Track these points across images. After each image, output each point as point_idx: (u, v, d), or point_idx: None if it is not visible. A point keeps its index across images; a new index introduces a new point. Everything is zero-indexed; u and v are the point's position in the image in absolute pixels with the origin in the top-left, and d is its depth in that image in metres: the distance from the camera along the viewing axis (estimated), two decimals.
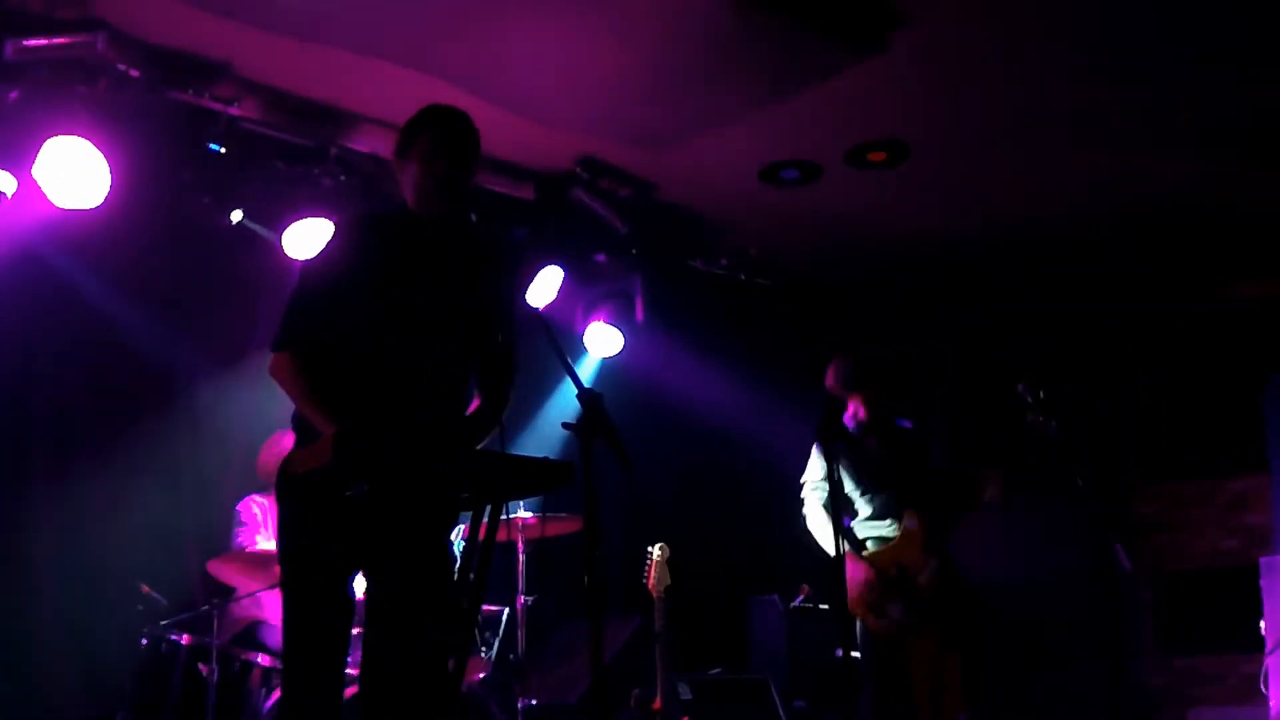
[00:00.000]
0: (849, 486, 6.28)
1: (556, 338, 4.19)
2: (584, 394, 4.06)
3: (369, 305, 4.14)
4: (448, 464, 4.01)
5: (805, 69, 6.17)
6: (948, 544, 6.21)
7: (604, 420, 4.04)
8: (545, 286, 6.83)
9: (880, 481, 6.31)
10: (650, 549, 6.22)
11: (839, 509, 5.47)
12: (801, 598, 7.60)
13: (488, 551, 4.22)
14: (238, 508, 6.42)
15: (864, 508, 6.30)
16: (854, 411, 6.43)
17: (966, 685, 6.18)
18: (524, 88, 6.28)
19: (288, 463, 4.09)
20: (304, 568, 4.09)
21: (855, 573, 6.03)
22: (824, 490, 6.13)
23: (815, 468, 6.30)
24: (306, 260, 4.30)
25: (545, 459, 4.17)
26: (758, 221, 7.55)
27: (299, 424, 4.17)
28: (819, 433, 6.15)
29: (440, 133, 4.25)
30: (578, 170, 6.90)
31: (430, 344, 4.22)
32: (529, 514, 6.06)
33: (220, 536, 6.50)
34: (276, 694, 5.60)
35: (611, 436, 4.03)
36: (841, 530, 5.55)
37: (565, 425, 4.05)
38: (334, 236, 4.31)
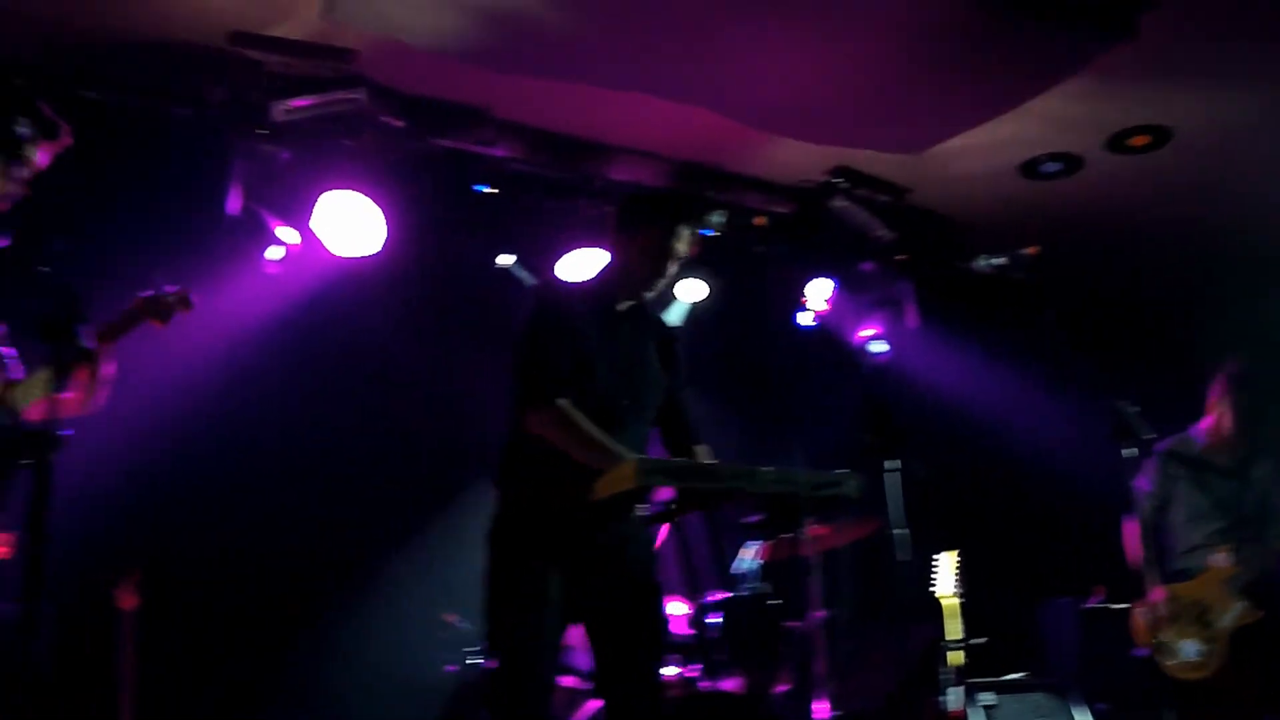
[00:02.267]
0: (1182, 508, 6.09)
1: (850, 353, 4.25)
2: (875, 409, 4.09)
3: (582, 367, 4.26)
4: (743, 482, 4.09)
5: (1056, 61, 6.04)
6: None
7: (898, 433, 4.07)
8: (816, 299, 6.82)
9: (1216, 511, 6.06)
10: (939, 555, 6.14)
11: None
12: (1097, 599, 7.39)
13: (794, 567, 4.29)
14: None
15: (1190, 534, 6.08)
16: (1212, 424, 6.19)
17: None
18: (774, 104, 6.29)
19: (526, 513, 4.21)
20: (524, 607, 4.15)
21: (1148, 600, 5.93)
22: (1150, 504, 5.96)
23: (1146, 478, 6.10)
24: (536, 322, 4.36)
25: (837, 473, 4.20)
26: (1021, 218, 7.40)
27: (515, 474, 4.31)
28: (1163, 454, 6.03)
29: (676, 237, 4.35)
30: (834, 181, 6.87)
31: (628, 405, 4.34)
32: (821, 526, 6.06)
33: None
34: (582, 712, 5.70)
35: (905, 448, 4.07)
36: (1154, 552, 5.41)
37: (861, 438, 4.08)
38: (554, 301, 4.44)
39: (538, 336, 4.29)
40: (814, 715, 5.79)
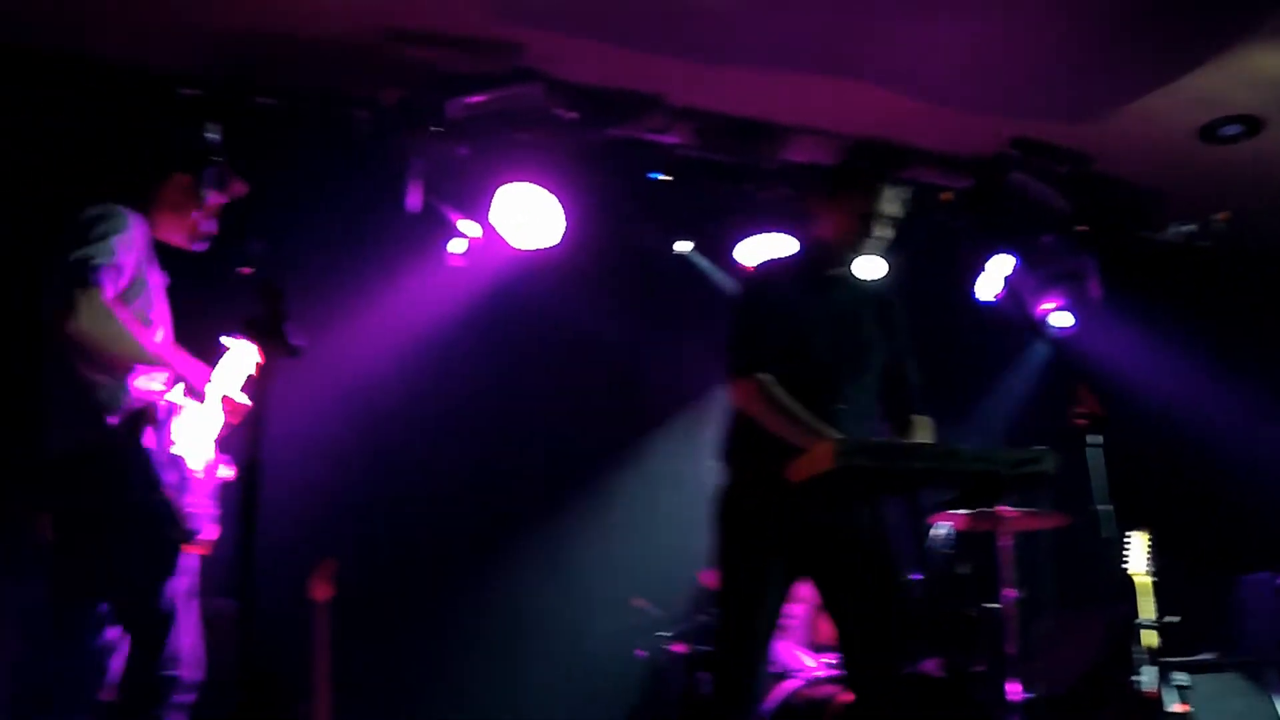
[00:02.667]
0: None
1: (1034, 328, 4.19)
2: (1079, 384, 4.04)
3: (792, 338, 4.32)
4: (944, 462, 4.04)
5: (1229, 21, 5.84)
6: None
7: (1103, 408, 4.02)
8: (997, 274, 6.70)
9: None
10: (1130, 534, 6.03)
11: None
12: None
13: (985, 547, 4.24)
14: None
15: None
16: None
17: None
18: (946, 77, 6.19)
19: (771, 472, 4.20)
20: (751, 578, 4.23)
21: None
22: None
23: None
24: (740, 301, 4.47)
25: (1035, 450, 4.12)
26: (1203, 184, 7.17)
27: (736, 450, 4.34)
28: None
29: (875, 199, 4.36)
30: (1011, 152, 6.72)
31: (844, 373, 4.35)
32: (1013, 509, 5.96)
33: (703, 551, 6.67)
34: (774, 696, 5.69)
35: (1109, 424, 4.02)
36: None
37: (1069, 416, 4.01)
38: (758, 277, 4.53)
39: (739, 316, 4.40)
40: (1008, 697, 5.73)
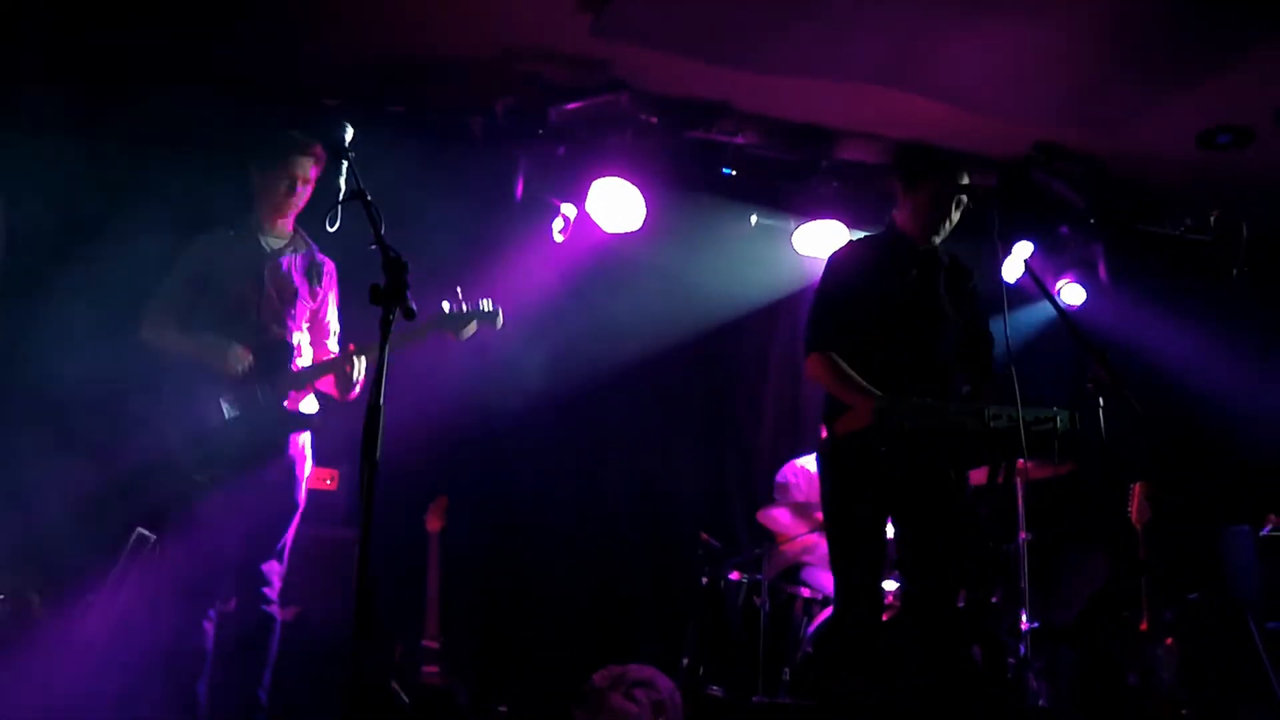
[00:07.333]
0: None
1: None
2: (1096, 351, 3.91)
3: (873, 312, 4.19)
4: (967, 422, 3.92)
5: (1226, 43, 5.63)
6: None
7: (1115, 378, 3.90)
8: (1018, 260, 6.55)
9: None
10: (1132, 486, 5.89)
11: None
12: (1269, 527, 6.91)
13: (1004, 496, 4.12)
14: (784, 469, 6.44)
15: None
16: None
17: None
18: (981, 89, 6.04)
19: (832, 430, 4.12)
20: (845, 516, 4.09)
21: None
22: None
23: None
24: (820, 280, 4.35)
25: (1054, 410, 3.99)
26: (1204, 185, 6.93)
27: (828, 416, 4.21)
28: None
29: (952, 188, 4.24)
30: (1034, 154, 6.55)
31: (924, 342, 4.22)
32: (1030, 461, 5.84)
33: (759, 493, 6.65)
34: (817, 620, 5.62)
35: (1122, 392, 3.90)
36: None
37: (1088, 381, 3.89)
38: (840, 259, 4.38)
39: (818, 296, 4.29)
40: (1021, 627, 5.60)
